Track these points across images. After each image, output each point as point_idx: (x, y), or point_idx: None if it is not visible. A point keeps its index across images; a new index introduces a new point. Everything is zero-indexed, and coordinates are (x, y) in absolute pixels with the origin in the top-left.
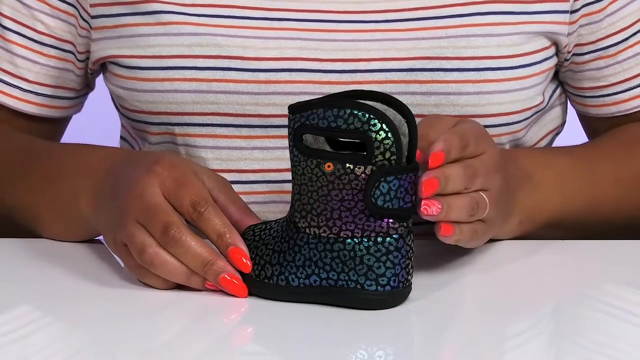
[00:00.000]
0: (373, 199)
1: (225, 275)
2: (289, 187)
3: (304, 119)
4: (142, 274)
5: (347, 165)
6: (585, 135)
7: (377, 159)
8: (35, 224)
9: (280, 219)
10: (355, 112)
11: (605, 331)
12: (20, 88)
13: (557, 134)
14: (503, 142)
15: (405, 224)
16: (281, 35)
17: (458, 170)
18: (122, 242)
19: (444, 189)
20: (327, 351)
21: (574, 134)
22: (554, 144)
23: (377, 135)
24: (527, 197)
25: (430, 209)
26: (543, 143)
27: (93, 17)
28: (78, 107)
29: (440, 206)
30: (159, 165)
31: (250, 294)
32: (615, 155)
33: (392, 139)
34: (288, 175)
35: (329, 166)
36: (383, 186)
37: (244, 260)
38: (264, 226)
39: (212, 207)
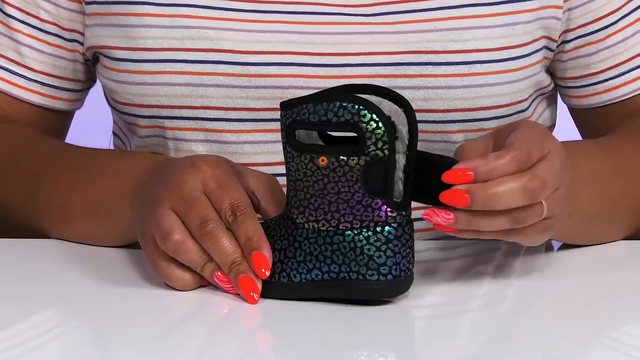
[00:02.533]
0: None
1: (245, 278)
2: (280, 180)
3: (295, 114)
4: (163, 271)
5: (341, 157)
6: (578, 134)
7: (369, 149)
8: (64, 224)
9: (275, 217)
10: (345, 104)
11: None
12: (26, 77)
13: None
14: None
15: (403, 212)
16: (271, 29)
17: (511, 186)
18: (151, 233)
19: (490, 208)
20: (330, 350)
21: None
22: None
23: (368, 126)
24: (575, 188)
25: (433, 218)
26: None
27: (87, 3)
28: (80, 101)
29: (450, 216)
30: (204, 162)
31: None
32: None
33: (382, 128)
34: (279, 169)
35: (322, 160)
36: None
37: (263, 270)
38: (264, 225)
39: (250, 213)
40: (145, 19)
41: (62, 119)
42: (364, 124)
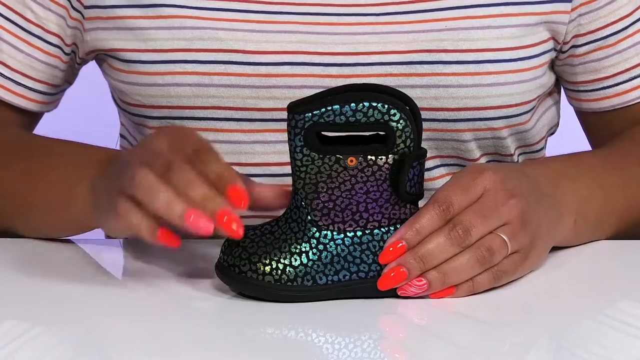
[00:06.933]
0: (404, 186)
1: (223, 213)
2: (289, 180)
3: (317, 117)
4: (122, 206)
5: (369, 157)
6: (584, 135)
7: (398, 147)
8: (26, 213)
9: (271, 221)
10: (374, 104)
11: (605, 344)
12: (1, 74)
13: (551, 134)
14: (504, 135)
15: (418, 207)
16: (282, 29)
17: (437, 241)
18: (118, 188)
19: (429, 267)
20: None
21: (569, 135)
22: (548, 144)
23: (398, 125)
24: (570, 194)
25: (409, 291)
26: (542, 143)
27: (86, 7)
28: (55, 103)
29: (423, 282)
30: (168, 127)
31: (272, 301)
32: (634, 155)
33: (410, 126)
34: (289, 169)
35: (351, 160)
36: (410, 172)
37: (242, 202)
38: (259, 232)
39: (214, 154)
40: (156, 21)
41: (32, 120)
42: (395, 123)
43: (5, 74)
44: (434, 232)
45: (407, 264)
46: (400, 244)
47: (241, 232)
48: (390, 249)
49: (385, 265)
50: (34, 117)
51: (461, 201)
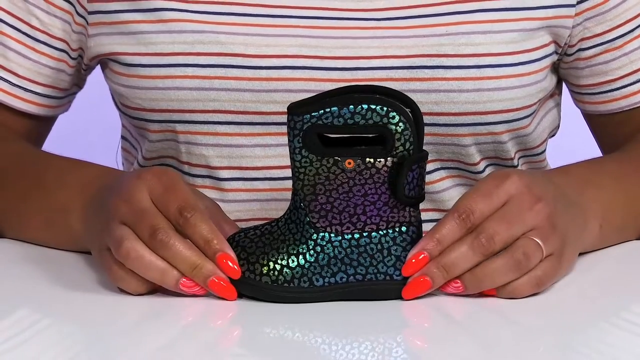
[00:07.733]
0: (403, 189)
1: (214, 279)
2: (290, 183)
3: (315, 119)
4: (117, 276)
5: (368, 159)
6: (583, 136)
7: (397, 150)
8: (21, 230)
9: (272, 221)
10: (373, 106)
11: (610, 342)
12: (10, 82)
13: (552, 136)
14: (504, 139)
15: (419, 210)
16: (282, 33)
17: (460, 250)
18: (106, 245)
19: (452, 275)
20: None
21: (569, 136)
22: (547, 146)
23: (397, 127)
24: (594, 201)
25: (447, 289)
26: (543, 146)
27: (90, 12)
28: (65, 106)
29: (459, 284)
30: (149, 173)
31: (270, 302)
32: None
33: (410, 129)
34: (290, 172)
35: (349, 163)
36: (409, 175)
37: (232, 265)
38: (259, 232)
39: (199, 213)
40: (156, 25)
41: (43, 124)
42: (393, 126)
43: (14, 81)
44: (457, 241)
45: (431, 273)
46: (422, 255)
47: (234, 295)
48: (413, 260)
49: (391, 267)
50: (45, 122)
51: (482, 209)
